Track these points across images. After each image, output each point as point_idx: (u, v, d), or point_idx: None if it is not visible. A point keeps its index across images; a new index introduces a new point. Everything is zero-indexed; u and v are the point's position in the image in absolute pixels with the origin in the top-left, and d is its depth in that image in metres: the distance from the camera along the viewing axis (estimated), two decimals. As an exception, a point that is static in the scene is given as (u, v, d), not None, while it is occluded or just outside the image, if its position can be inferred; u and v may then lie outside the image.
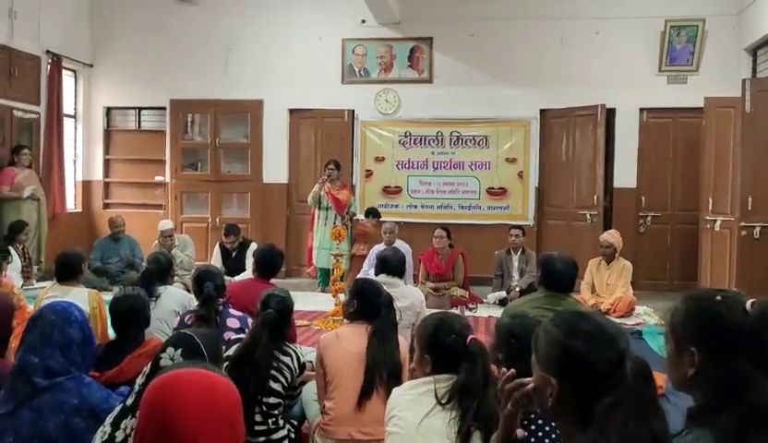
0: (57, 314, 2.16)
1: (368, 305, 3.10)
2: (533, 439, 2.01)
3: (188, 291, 6.51)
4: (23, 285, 6.66)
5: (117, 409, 1.89)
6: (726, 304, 1.48)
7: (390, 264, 3.97)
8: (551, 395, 1.40)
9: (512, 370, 1.55)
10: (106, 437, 1.81)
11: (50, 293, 3.94)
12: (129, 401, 1.85)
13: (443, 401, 2.04)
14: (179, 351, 1.89)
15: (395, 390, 2.20)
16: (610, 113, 8.21)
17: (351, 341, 2.99)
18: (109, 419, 1.86)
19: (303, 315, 6.21)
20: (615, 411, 1.30)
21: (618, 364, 1.35)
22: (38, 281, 7.14)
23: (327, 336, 3.10)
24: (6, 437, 2.02)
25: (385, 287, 3.71)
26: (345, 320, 3.46)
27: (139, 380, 1.88)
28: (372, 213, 7.86)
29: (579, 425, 1.35)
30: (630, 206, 8.39)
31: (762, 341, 1.40)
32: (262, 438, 2.88)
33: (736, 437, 1.35)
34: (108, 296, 6.85)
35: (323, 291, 7.58)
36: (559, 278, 3.30)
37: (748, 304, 1.45)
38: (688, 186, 8.06)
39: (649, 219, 8.40)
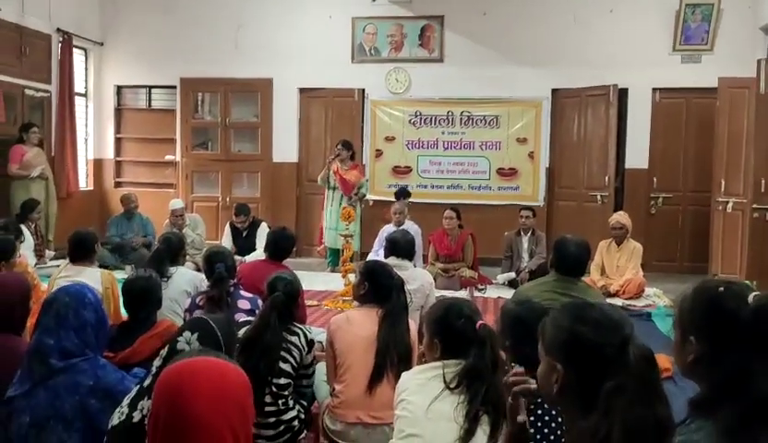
0: (72, 296, 2.19)
1: (380, 288, 3.11)
2: (538, 423, 2.03)
3: (199, 270, 6.60)
4: (36, 264, 6.72)
5: (134, 390, 1.92)
6: (728, 295, 1.49)
7: (400, 246, 3.98)
8: (556, 381, 1.42)
9: (521, 368, 1.58)
10: (124, 417, 1.85)
11: (63, 272, 3.97)
12: (146, 383, 1.89)
13: (452, 386, 2.05)
14: (195, 335, 1.91)
15: (404, 374, 2.22)
16: (623, 94, 8.14)
17: (361, 324, 3.01)
18: (126, 400, 1.90)
19: (313, 295, 6.25)
20: (618, 395, 1.32)
21: (623, 349, 1.36)
22: (51, 259, 7.21)
23: (337, 319, 3.12)
24: (23, 416, 2.06)
25: (395, 270, 3.74)
26: (355, 302, 3.49)
27: (156, 363, 1.91)
28: (402, 194, 7.77)
29: (582, 411, 1.37)
30: (641, 187, 8.34)
31: (759, 335, 1.41)
32: (272, 419, 2.91)
33: (737, 429, 1.37)
34: (120, 274, 6.99)
35: (333, 270, 7.61)
36: (573, 261, 3.29)
37: (751, 296, 1.45)
38: (700, 168, 8.01)
39: (660, 200, 8.36)
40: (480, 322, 2.17)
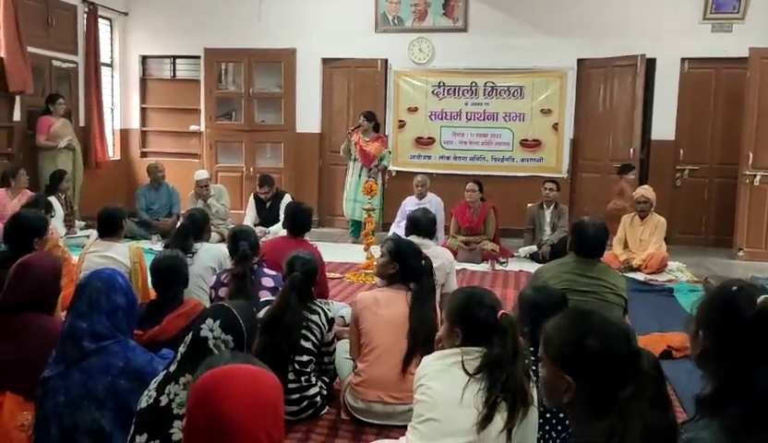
0: (103, 281, 2.28)
1: (410, 270, 3.17)
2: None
3: (224, 240, 6.72)
4: (66, 234, 6.89)
5: (161, 375, 2.00)
6: (739, 295, 1.53)
7: (421, 225, 4.00)
8: (566, 391, 1.45)
9: None
10: (151, 400, 1.93)
11: (93, 248, 4.08)
12: (172, 368, 1.97)
13: (472, 373, 2.10)
14: (218, 322, 1.98)
15: (425, 359, 2.26)
16: (650, 64, 7.99)
17: (389, 305, 3.07)
18: (153, 384, 1.98)
19: (335, 267, 6.33)
20: (635, 400, 1.35)
21: (633, 358, 1.40)
22: (80, 229, 7.37)
23: (364, 297, 3.16)
24: (58, 396, 2.17)
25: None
26: (377, 279, 3.53)
27: (181, 349, 1.98)
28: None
29: (593, 415, 1.41)
30: (667, 159, 8.24)
31: (760, 337, 1.44)
32: (296, 395, 3.01)
33: (740, 429, 1.40)
34: (147, 244, 7.13)
35: (355, 241, 7.69)
36: (591, 243, 3.30)
37: (760, 298, 1.48)
38: (728, 139, 7.89)
39: (686, 172, 8.25)
40: (502, 311, 2.20)
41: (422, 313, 3.03)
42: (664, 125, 8.19)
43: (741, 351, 1.46)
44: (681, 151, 8.23)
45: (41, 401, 2.21)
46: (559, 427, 2.30)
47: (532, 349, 2.41)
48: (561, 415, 2.29)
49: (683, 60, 8.10)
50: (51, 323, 2.60)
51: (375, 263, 3.42)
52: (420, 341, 2.98)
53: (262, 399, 1.33)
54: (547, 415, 2.29)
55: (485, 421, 2.03)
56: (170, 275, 3.10)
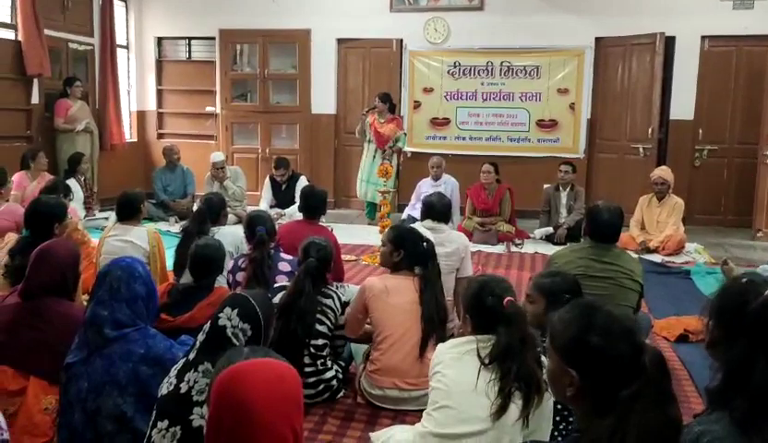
0: (123, 270, 2.32)
1: (413, 255, 3.19)
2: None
3: (241, 222, 6.76)
4: (86, 216, 6.97)
5: (180, 362, 2.04)
6: (748, 287, 1.55)
7: (436, 210, 4.00)
8: (570, 385, 1.45)
9: None
10: (172, 387, 1.98)
11: (112, 232, 4.13)
12: (191, 356, 2.00)
13: (486, 362, 2.12)
14: (235, 311, 2.01)
15: (439, 347, 2.29)
16: (669, 42, 7.86)
17: (399, 292, 3.10)
18: (173, 371, 2.02)
19: (350, 249, 6.36)
20: (634, 401, 1.36)
21: (636, 356, 1.40)
22: (99, 211, 7.45)
23: (373, 285, 3.17)
24: (81, 381, 2.22)
25: (430, 233, 3.80)
26: (381, 267, 3.53)
27: (200, 337, 2.02)
28: None
29: (596, 411, 1.41)
30: (685, 139, 8.14)
31: (761, 329, 1.44)
32: (312, 379, 3.05)
33: (747, 421, 1.41)
34: (165, 226, 7.19)
35: (370, 223, 7.71)
36: (606, 228, 3.29)
37: None
38: (748, 119, 7.78)
39: (705, 152, 8.15)
40: (508, 299, 2.19)
41: (432, 297, 3.07)
42: (683, 105, 8.08)
43: (744, 342, 1.46)
44: (700, 131, 8.12)
45: (65, 386, 2.27)
46: (572, 419, 2.32)
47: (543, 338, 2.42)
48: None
49: (703, 38, 7.96)
50: (72, 309, 2.66)
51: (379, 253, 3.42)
52: (434, 325, 3.01)
53: (284, 392, 1.36)
54: (558, 406, 2.31)
55: (500, 411, 2.05)
56: (209, 264, 3.15)
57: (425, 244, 3.24)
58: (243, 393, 1.32)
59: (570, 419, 2.31)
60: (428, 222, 3.94)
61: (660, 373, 1.39)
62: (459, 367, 2.15)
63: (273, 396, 1.33)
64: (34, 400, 2.52)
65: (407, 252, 3.20)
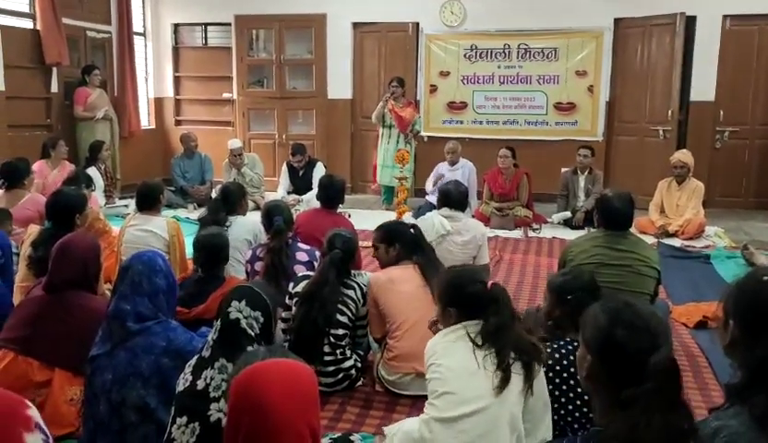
0: (144, 264, 2.36)
1: (408, 244, 3.28)
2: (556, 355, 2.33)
3: (259, 208, 6.80)
4: (106, 204, 7.05)
5: (194, 359, 2.08)
6: (766, 286, 1.52)
7: (453, 198, 4.00)
8: (586, 368, 1.56)
9: None
10: (188, 384, 2.02)
11: (132, 222, 4.19)
12: (206, 354, 2.04)
13: (479, 343, 2.18)
14: (243, 302, 2.06)
15: (430, 341, 2.33)
16: (690, 22, 7.74)
17: (404, 280, 3.16)
18: (188, 368, 2.07)
19: (367, 236, 6.32)
20: (638, 402, 1.40)
21: (650, 354, 1.45)
22: (119, 199, 7.53)
23: (378, 279, 3.22)
24: (106, 373, 2.27)
25: (447, 221, 3.82)
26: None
27: (212, 335, 2.06)
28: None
29: (606, 399, 1.50)
30: (706, 120, 8.03)
31: None
32: (332, 368, 3.09)
33: (765, 417, 1.41)
34: (184, 213, 7.26)
35: (387, 208, 7.72)
36: (617, 216, 3.27)
37: None
38: (771, 100, 7.66)
39: (726, 134, 8.05)
40: (490, 282, 2.31)
41: (436, 275, 3.11)
42: (703, 86, 7.96)
43: (764, 340, 1.46)
44: (721, 112, 8.01)
45: (89, 378, 2.32)
46: (573, 420, 2.34)
47: (567, 337, 2.45)
48: (571, 407, 2.33)
49: (725, 17, 7.83)
50: (95, 302, 2.71)
51: (375, 257, 3.47)
52: None
53: (302, 391, 1.38)
54: (562, 399, 2.34)
55: (503, 383, 2.10)
56: (213, 253, 3.19)
57: (412, 230, 3.34)
58: (260, 394, 1.35)
59: (571, 419, 2.34)
60: (445, 211, 3.95)
61: (666, 379, 1.41)
62: (451, 355, 2.20)
63: (290, 395, 1.35)
64: (59, 391, 2.59)
65: (401, 244, 3.26)
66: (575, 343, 2.38)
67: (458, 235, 3.77)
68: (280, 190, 7.78)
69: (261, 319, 2.08)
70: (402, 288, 3.13)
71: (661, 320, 1.60)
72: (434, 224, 3.80)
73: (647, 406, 1.38)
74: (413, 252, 3.25)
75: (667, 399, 1.41)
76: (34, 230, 3.75)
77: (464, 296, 2.27)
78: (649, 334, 1.50)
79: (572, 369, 2.32)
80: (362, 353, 3.31)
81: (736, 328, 1.55)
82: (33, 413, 1.15)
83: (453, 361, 2.18)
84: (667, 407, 1.39)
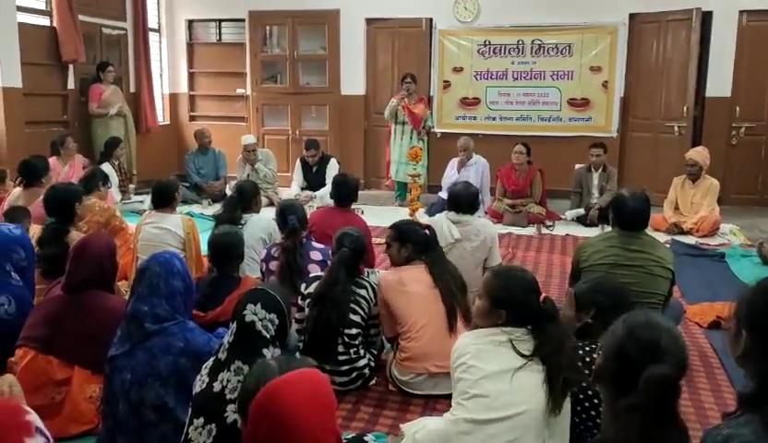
0: (161, 266, 2.40)
1: (418, 244, 3.28)
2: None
3: (272, 204, 6.84)
4: (121, 199, 7.12)
5: (211, 361, 2.11)
6: None
7: (461, 200, 3.96)
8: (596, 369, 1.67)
9: None
10: (204, 385, 2.05)
11: (148, 219, 4.23)
12: (222, 356, 2.08)
13: (526, 354, 2.18)
14: (258, 305, 2.09)
15: (461, 340, 2.33)
16: (706, 17, 7.67)
17: (414, 281, 3.17)
18: (204, 370, 2.10)
19: (381, 233, 6.37)
20: (630, 411, 1.45)
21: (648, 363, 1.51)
22: (134, 194, 7.60)
23: (388, 280, 3.23)
24: (125, 373, 2.32)
25: (456, 227, 3.82)
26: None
27: (228, 338, 2.09)
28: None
29: (611, 400, 1.58)
30: (722, 116, 7.96)
31: None
32: (345, 367, 3.12)
33: None
34: (198, 208, 7.31)
35: (401, 205, 7.74)
36: (633, 217, 3.25)
37: None
38: (788, 96, 7.58)
39: (743, 130, 7.97)
40: (544, 295, 2.27)
41: (444, 273, 3.18)
42: (719, 82, 7.89)
43: None
44: (737, 108, 7.94)
45: (109, 377, 2.37)
46: (591, 424, 2.37)
47: (589, 343, 2.46)
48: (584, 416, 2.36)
49: (741, 12, 7.75)
50: (113, 301, 2.76)
51: (387, 254, 3.48)
52: (456, 297, 3.12)
53: (326, 403, 1.41)
54: (584, 403, 2.36)
55: (555, 405, 2.13)
56: (227, 252, 3.22)
57: (426, 231, 3.34)
58: (285, 411, 1.36)
59: (590, 424, 2.36)
60: (453, 215, 3.91)
61: (657, 393, 1.44)
62: (487, 358, 2.20)
63: (316, 409, 1.38)
64: (79, 389, 2.64)
65: (413, 244, 3.27)
66: (593, 346, 2.39)
67: (467, 242, 3.76)
68: (294, 186, 7.82)
69: (276, 321, 2.11)
70: (412, 289, 3.14)
71: (678, 341, 1.63)
72: (443, 231, 3.78)
73: (636, 417, 1.42)
74: (424, 252, 3.26)
75: (657, 413, 1.43)
76: (37, 229, 3.81)
77: (521, 304, 2.25)
78: (655, 349, 1.52)
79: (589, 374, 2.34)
80: (375, 351, 3.34)
81: (748, 339, 1.54)
82: (33, 417, 1.20)
83: (489, 365, 2.18)
84: (658, 422, 1.42)
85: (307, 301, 3.17)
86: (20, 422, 1.19)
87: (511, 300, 2.26)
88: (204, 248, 4.30)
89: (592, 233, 6.20)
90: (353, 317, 3.17)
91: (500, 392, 2.14)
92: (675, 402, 1.50)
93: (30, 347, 2.69)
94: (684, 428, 1.49)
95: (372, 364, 3.24)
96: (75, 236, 3.57)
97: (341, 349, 3.13)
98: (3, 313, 2.84)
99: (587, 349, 2.40)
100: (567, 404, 2.22)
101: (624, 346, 1.58)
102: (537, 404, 2.14)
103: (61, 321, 2.68)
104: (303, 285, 3.27)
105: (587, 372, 2.29)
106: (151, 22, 9.20)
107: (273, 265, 3.64)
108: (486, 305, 2.32)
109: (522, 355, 2.17)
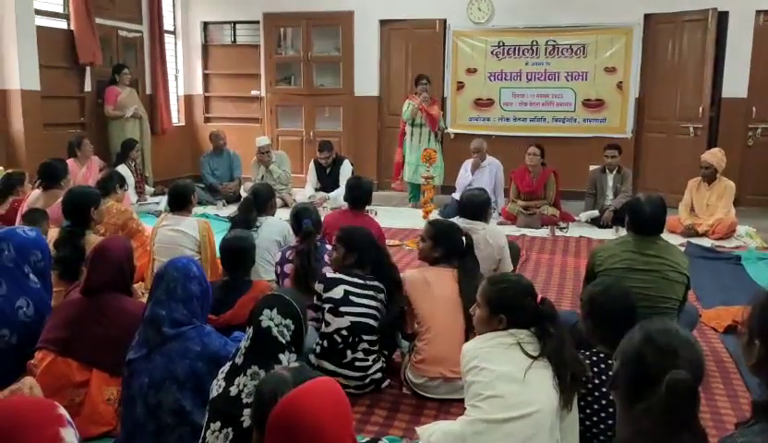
0: (179, 270, 2.43)
1: (452, 249, 3.26)
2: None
3: (286, 205, 6.88)
4: (138, 201, 7.19)
5: (227, 365, 2.13)
6: None
7: (472, 206, 3.94)
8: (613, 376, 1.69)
9: None
10: (221, 390, 2.08)
11: (164, 222, 4.27)
12: (239, 361, 2.10)
13: (534, 355, 2.23)
14: (275, 310, 2.11)
15: (468, 345, 2.36)
16: (722, 17, 7.63)
17: (440, 284, 3.16)
18: (221, 374, 2.12)
19: (394, 233, 6.41)
20: (646, 416, 1.46)
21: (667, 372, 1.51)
22: (150, 195, 7.67)
23: (414, 279, 3.23)
24: (143, 377, 2.35)
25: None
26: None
27: (244, 343, 2.11)
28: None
29: (625, 405, 1.59)
30: (738, 117, 7.91)
31: None
32: (360, 373, 3.13)
33: None
34: (213, 209, 7.36)
35: (414, 206, 7.75)
36: (649, 222, 3.24)
37: None
38: (806, 97, 7.51)
39: (759, 131, 7.92)
40: (540, 297, 2.33)
41: (471, 288, 3.09)
42: (735, 82, 7.84)
43: None
44: (754, 109, 7.88)
45: (127, 381, 2.40)
46: (598, 431, 2.38)
47: (600, 352, 2.48)
48: (596, 419, 2.38)
49: (758, 12, 7.69)
50: (131, 304, 2.80)
51: (418, 248, 3.47)
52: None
53: (342, 409, 1.43)
54: (587, 411, 2.38)
55: (566, 402, 2.21)
56: (239, 256, 3.24)
57: (464, 238, 3.30)
58: (307, 420, 1.37)
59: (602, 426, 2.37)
60: (463, 222, 3.89)
61: (681, 401, 1.44)
62: (498, 360, 2.23)
63: (335, 415, 1.40)
64: (97, 391, 2.68)
65: (446, 248, 3.25)
66: (601, 355, 2.41)
67: (477, 250, 3.76)
68: (307, 187, 7.86)
69: (292, 327, 2.13)
70: (436, 292, 3.14)
71: (695, 348, 1.64)
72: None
73: (654, 421, 1.42)
74: (455, 257, 3.24)
75: (678, 416, 1.44)
76: (56, 232, 3.86)
77: (520, 308, 2.31)
78: (674, 354, 1.53)
79: (597, 381, 2.35)
80: (386, 352, 3.35)
81: (762, 347, 1.54)
82: (63, 411, 1.32)
83: (501, 366, 2.22)
84: (678, 425, 1.43)
85: (328, 306, 3.17)
86: (55, 415, 1.29)
87: (509, 304, 2.32)
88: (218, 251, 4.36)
89: (606, 234, 6.20)
90: (372, 322, 3.17)
91: (514, 392, 2.18)
92: (696, 407, 1.51)
93: (50, 350, 2.73)
94: (703, 433, 1.50)
95: (383, 365, 3.25)
96: (91, 239, 3.62)
97: (360, 355, 3.14)
98: (22, 316, 2.89)
99: (594, 359, 2.44)
100: (575, 406, 2.27)
101: (642, 351, 1.60)
102: (550, 402, 2.19)
103: (80, 324, 2.72)
104: (320, 286, 3.25)
105: (597, 382, 2.33)
106: (167, 24, 9.28)
107: (288, 268, 3.65)
108: (485, 312, 2.38)
109: (530, 356, 2.22)
